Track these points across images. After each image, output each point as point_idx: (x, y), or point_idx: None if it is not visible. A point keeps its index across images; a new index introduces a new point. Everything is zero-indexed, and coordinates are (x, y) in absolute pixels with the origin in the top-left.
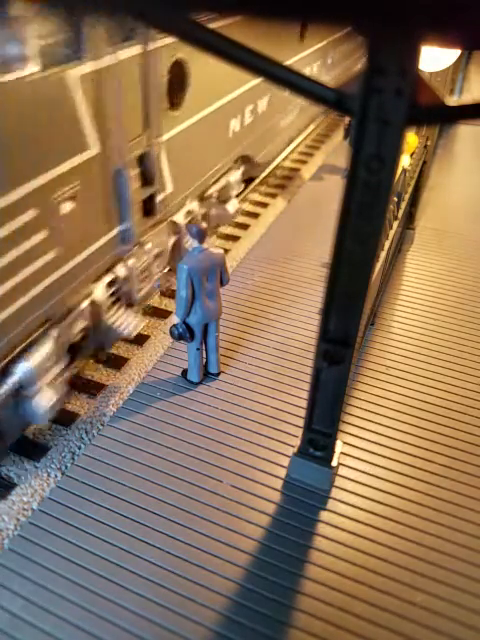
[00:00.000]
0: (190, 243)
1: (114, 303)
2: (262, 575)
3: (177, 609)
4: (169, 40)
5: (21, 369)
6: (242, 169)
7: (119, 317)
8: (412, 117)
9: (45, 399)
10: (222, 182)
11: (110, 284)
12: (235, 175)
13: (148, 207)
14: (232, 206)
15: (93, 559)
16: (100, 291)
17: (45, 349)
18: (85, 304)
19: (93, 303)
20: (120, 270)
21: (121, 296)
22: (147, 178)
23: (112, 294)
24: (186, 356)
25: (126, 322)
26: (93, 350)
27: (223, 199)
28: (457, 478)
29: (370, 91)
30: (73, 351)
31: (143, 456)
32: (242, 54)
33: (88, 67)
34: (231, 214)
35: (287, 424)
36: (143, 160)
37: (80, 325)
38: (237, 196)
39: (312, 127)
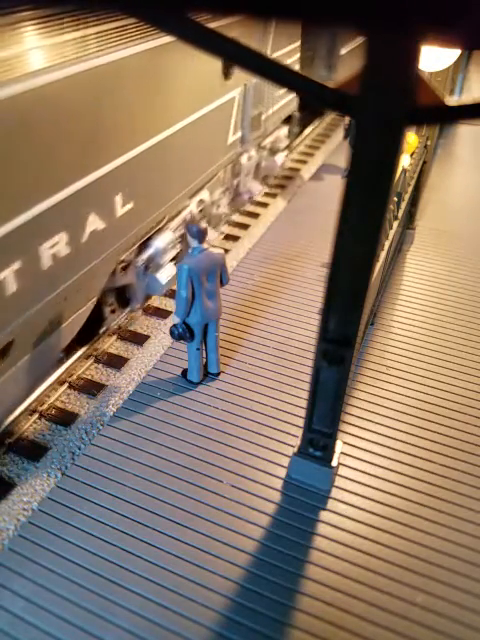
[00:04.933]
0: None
1: None
2: (262, 575)
3: (177, 609)
4: None
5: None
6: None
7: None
8: (412, 117)
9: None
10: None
11: None
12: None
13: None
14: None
15: (93, 559)
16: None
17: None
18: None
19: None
20: None
21: None
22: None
23: None
24: (186, 356)
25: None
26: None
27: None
28: (457, 478)
29: (370, 91)
30: None
31: (143, 456)
32: (243, 54)
33: None
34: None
35: (287, 424)
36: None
37: None
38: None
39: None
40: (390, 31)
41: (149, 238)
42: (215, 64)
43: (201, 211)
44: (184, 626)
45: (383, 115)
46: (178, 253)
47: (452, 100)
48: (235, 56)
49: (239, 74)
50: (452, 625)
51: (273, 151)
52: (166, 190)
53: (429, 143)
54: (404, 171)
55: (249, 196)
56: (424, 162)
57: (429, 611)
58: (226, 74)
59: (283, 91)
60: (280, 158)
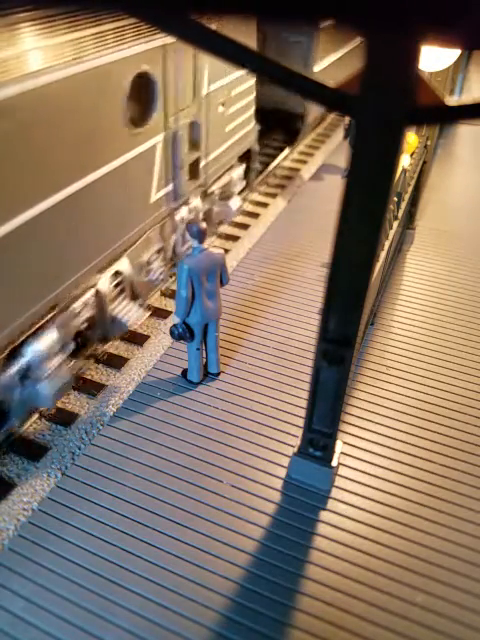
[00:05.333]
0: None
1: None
2: (262, 575)
3: (177, 609)
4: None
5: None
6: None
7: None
8: (412, 117)
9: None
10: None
11: None
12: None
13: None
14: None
15: (93, 559)
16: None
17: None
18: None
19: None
20: None
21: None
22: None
23: None
24: (186, 356)
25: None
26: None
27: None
28: (457, 478)
29: (370, 91)
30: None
31: (143, 456)
32: (243, 54)
33: None
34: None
35: (287, 424)
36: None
37: None
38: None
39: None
40: (390, 31)
41: (25, 341)
42: (114, 111)
43: (119, 285)
44: (184, 626)
45: (383, 115)
46: (73, 351)
47: (452, 100)
48: (235, 56)
49: (163, 117)
50: (452, 625)
51: (226, 196)
52: (46, 278)
53: (429, 143)
54: (404, 171)
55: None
56: (424, 162)
57: (429, 611)
58: (136, 121)
59: (234, 125)
60: (235, 203)
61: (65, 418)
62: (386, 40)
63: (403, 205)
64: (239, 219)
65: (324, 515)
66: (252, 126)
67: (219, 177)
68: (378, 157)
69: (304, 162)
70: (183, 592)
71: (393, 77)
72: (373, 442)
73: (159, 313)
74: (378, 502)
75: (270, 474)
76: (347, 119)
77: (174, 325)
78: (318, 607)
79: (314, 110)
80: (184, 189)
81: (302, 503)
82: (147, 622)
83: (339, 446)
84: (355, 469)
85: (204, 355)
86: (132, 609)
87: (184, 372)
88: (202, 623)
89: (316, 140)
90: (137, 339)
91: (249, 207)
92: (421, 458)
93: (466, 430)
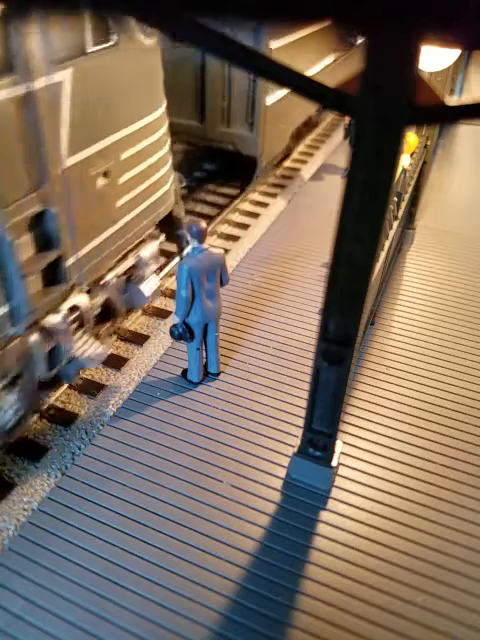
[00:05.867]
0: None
1: None
2: (262, 575)
3: (177, 609)
4: None
5: None
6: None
7: None
8: (412, 117)
9: None
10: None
11: None
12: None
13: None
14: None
15: (93, 559)
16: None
17: None
18: None
19: None
20: None
21: None
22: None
23: None
24: (186, 356)
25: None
26: None
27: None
28: (457, 478)
29: (370, 91)
30: None
31: (143, 456)
32: (243, 54)
33: None
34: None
35: (287, 424)
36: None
37: None
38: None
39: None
40: (390, 31)
41: None
42: None
43: None
44: (184, 626)
45: (383, 115)
46: None
47: (452, 100)
48: (235, 56)
49: None
50: (452, 625)
51: (136, 280)
52: None
53: (429, 143)
54: (404, 171)
55: (80, 368)
56: (424, 162)
57: (429, 611)
58: None
59: (132, 196)
60: (151, 285)
61: (65, 418)
62: (386, 40)
63: (403, 205)
64: (239, 219)
65: (324, 515)
66: (168, 188)
67: (118, 263)
68: (378, 157)
69: (304, 162)
70: (183, 592)
71: (393, 77)
72: (373, 442)
73: (159, 313)
74: (378, 502)
75: (270, 474)
76: (347, 119)
77: (174, 325)
78: (318, 607)
79: (270, 152)
80: (34, 303)
81: (302, 503)
82: (147, 622)
83: (339, 446)
84: (355, 469)
85: (204, 355)
86: (132, 609)
87: (184, 372)
88: (202, 623)
89: (316, 140)
90: (137, 339)
91: (249, 207)
92: (421, 458)
93: (466, 430)
